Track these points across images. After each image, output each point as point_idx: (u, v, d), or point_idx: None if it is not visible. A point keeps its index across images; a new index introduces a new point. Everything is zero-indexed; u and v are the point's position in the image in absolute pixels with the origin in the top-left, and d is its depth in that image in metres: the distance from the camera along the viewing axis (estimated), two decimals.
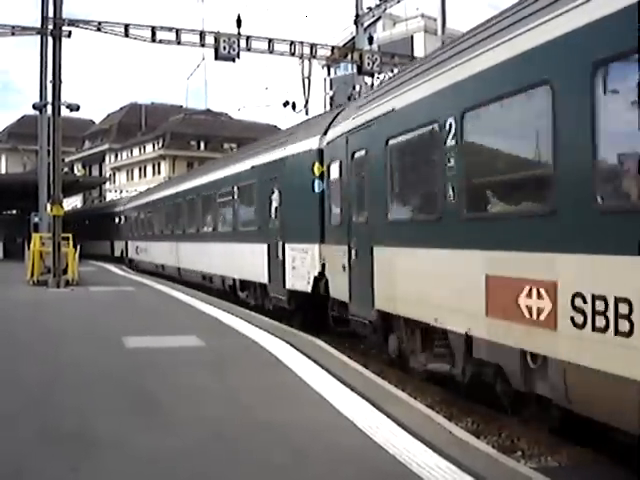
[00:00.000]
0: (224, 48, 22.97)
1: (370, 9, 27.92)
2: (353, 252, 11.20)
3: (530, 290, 6.42)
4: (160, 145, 78.57)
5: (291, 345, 10.52)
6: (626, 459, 6.39)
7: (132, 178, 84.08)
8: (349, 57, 26.34)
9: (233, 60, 23.43)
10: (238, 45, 23.14)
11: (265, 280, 16.41)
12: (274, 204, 15.94)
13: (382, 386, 7.84)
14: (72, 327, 13.02)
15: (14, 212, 46.72)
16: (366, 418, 6.49)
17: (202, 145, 78.74)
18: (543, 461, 6.93)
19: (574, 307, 5.81)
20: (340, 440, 5.88)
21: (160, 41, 23.26)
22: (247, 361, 9.58)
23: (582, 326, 5.71)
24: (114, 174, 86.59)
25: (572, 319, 5.82)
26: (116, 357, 9.76)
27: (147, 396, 7.49)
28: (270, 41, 24.07)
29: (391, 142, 9.79)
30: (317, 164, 13.56)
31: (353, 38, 29.31)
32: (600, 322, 5.50)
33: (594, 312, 5.58)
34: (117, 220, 43.37)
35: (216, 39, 23.02)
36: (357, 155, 11.19)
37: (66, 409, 6.94)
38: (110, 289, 21.57)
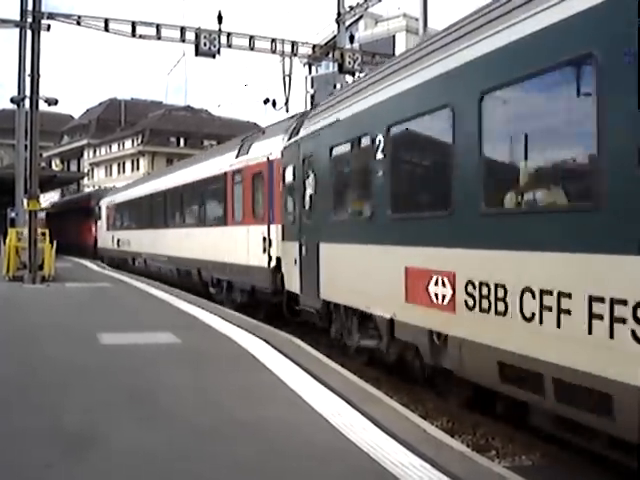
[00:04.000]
0: (205, 44, 22.88)
1: (352, 8, 27.90)
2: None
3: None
4: (139, 141, 78.04)
5: (268, 343, 10.50)
6: (600, 458, 6.44)
7: (110, 174, 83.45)
8: (330, 55, 26.33)
9: (213, 56, 23.36)
10: (219, 41, 23.07)
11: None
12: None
13: (358, 384, 7.82)
14: (47, 323, 12.89)
15: None
16: (341, 415, 6.48)
17: (182, 141, 78.36)
18: (517, 460, 6.95)
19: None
20: (314, 438, 5.87)
21: (140, 36, 23.11)
22: (223, 359, 9.54)
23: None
24: (92, 170, 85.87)
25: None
26: (91, 353, 9.68)
27: (122, 392, 7.43)
28: (251, 38, 24.00)
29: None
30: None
31: (335, 37, 29.31)
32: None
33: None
34: None
35: (197, 35, 22.93)
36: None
37: (39, 405, 6.88)
38: (86, 285, 21.41)
